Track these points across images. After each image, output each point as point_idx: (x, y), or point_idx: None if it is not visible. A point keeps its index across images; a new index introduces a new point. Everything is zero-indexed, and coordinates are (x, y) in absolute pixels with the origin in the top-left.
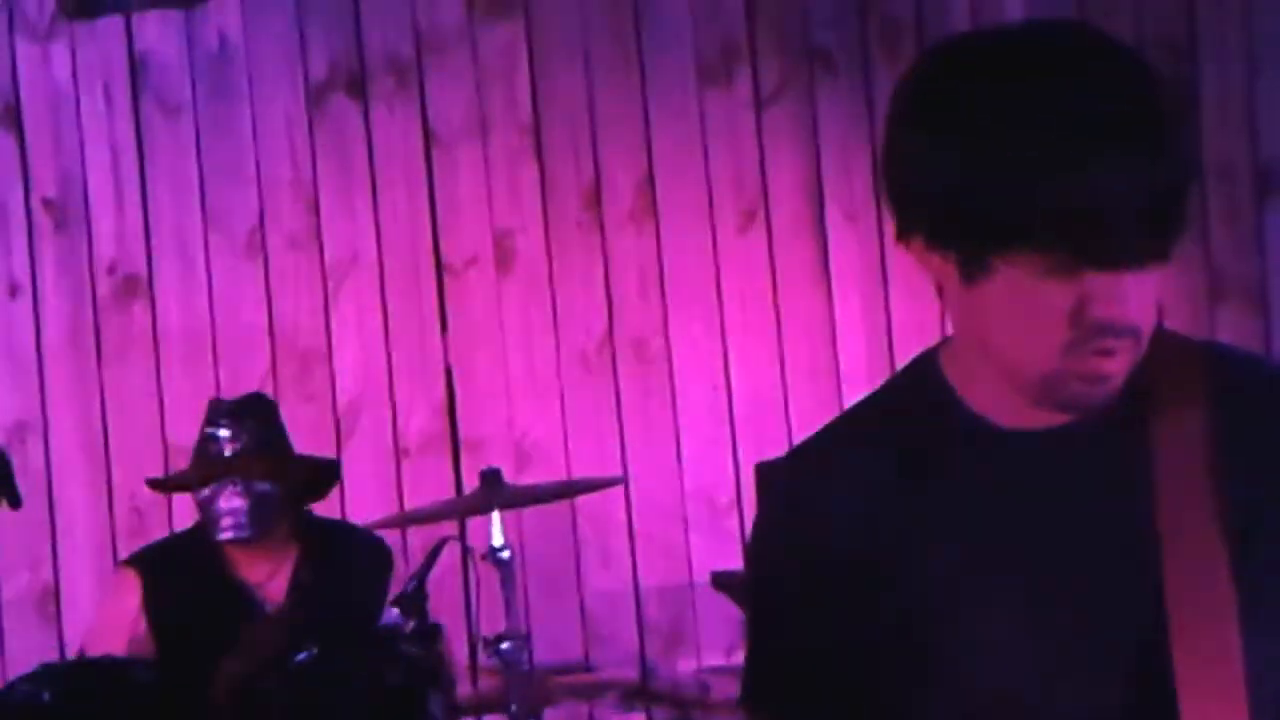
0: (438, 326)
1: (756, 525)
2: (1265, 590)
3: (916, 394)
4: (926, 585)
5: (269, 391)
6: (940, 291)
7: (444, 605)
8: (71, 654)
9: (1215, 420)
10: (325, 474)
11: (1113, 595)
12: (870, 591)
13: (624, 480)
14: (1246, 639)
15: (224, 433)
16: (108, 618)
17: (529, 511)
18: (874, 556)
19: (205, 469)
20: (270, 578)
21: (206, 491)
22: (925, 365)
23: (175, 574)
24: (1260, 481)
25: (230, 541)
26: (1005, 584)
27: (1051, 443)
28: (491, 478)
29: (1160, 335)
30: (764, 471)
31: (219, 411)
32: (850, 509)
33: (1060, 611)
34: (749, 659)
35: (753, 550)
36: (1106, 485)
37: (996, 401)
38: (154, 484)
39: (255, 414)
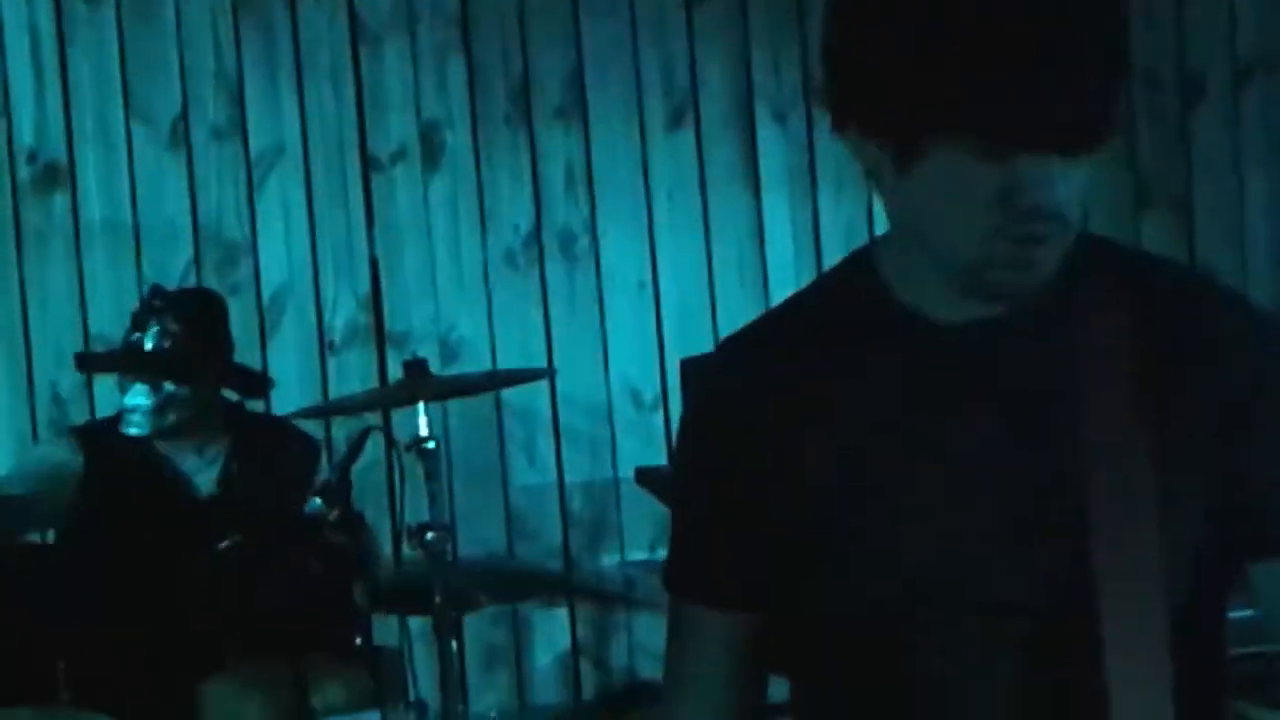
0: (364, 220)
1: (685, 405)
2: (1180, 487)
3: (850, 287)
4: (851, 471)
5: (191, 284)
6: (875, 182)
7: (369, 498)
8: None
9: (1140, 323)
10: (252, 385)
11: (1034, 485)
12: (795, 476)
13: (550, 372)
14: (1163, 533)
15: (152, 327)
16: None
17: (455, 407)
18: (799, 443)
19: (121, 360)
20: (200, 469)
21: (122, 382)
22: (860, 259)
23: (112, 453)
24: (1180, 382)
25: (138, 433)
26: (928, 471)
27: (983, 335)
28: (416, 368)
29: (1090, 239)
30: (689, 367)
31: (151, 303)
32: (777, 396)
33: (983, 499)
34: (673, 541)
35: (680, 432)
36: (1034, 380)
37: (929, 295)
38: (80, 359)
39: (187, 313)
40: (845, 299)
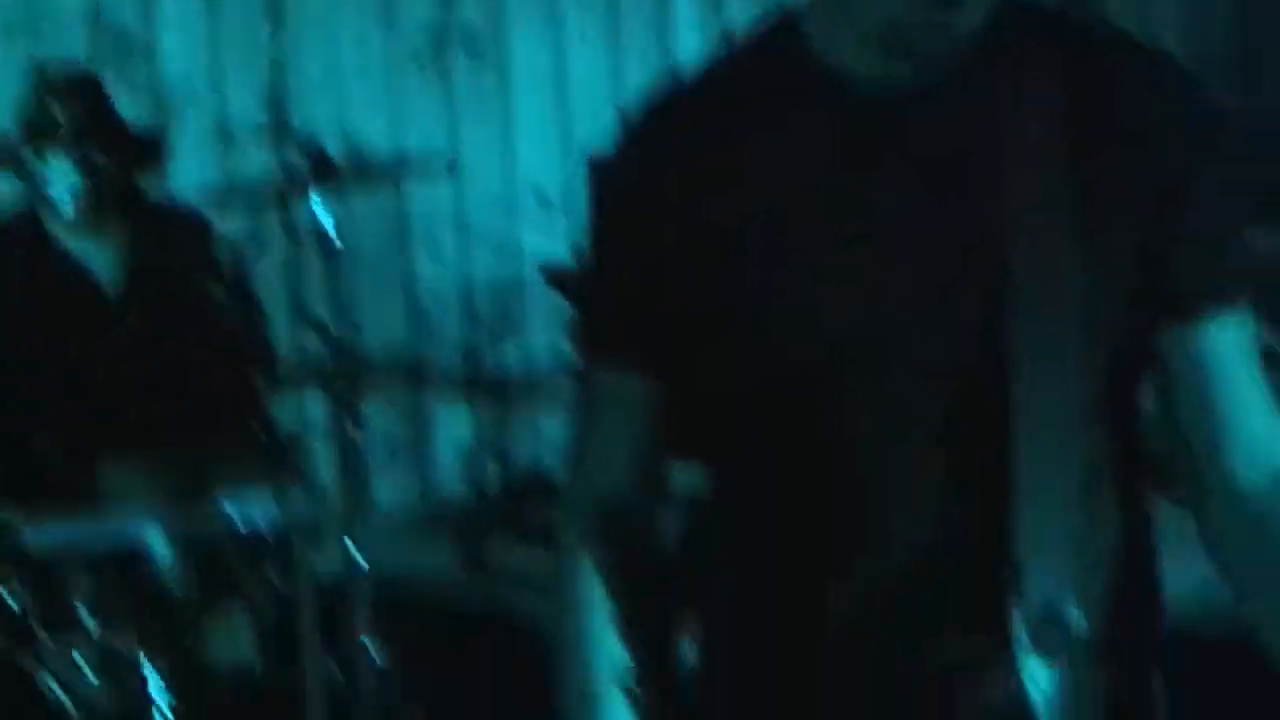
0: (266, 16)
1: (592, 187)
2: (1102, 253)
3: (769, 48)
4: (774, 229)
5: None
6: None
7: (269, 287)
8: None
9: (1068, 85)
10: (154, 150)
11: (956, 246)
12: (714, 235)
13: (453, 162)
14: (1082, 299)
15: (55, 105)
16: None
17: (357, 204)
18: (717, 204)
19: (41, 139)
20: (99, 256)
21: (36, 171)
22: (781, 21)
23: (6, 261)
24: (1107, 150)
25: (69, 220)
26: (849, 231)
27: (906, 96)
28: (318, 157)
29: (1018, 2)
30: (596, 165)
31: (50, 82)
32: (691, 157)
33: (904, 259)
34: (585, 308)
35: (589, 212)
36: (958, 141)
37: (850, 56)
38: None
39: (87, 88)
40: (765, 59)
